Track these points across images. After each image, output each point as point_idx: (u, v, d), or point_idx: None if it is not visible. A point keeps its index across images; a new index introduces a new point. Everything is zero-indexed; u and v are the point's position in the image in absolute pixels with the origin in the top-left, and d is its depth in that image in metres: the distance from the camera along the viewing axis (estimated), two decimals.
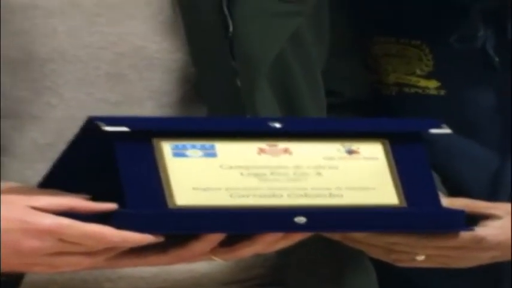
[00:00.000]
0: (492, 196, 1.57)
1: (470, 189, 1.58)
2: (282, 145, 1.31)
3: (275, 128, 1.29)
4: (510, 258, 1.52)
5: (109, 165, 1.27)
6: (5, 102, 1.40)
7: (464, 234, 1.38)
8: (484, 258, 1.47)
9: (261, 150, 1.29)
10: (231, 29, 1.41)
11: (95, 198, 1.27)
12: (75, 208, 1.25)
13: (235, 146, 1.30)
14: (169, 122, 1.37)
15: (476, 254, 1.46)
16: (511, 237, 1.54)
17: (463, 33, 1.66)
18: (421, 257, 1.41)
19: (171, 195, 1.25)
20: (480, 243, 1.43)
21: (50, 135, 1.38)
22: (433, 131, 1.36)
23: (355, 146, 1.34)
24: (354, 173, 1.33)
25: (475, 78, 1.65)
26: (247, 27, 1.44)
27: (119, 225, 1.22)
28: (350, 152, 1.34)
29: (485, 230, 1.42)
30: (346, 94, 1.61)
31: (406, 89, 1.66)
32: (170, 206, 1.24)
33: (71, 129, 1.28)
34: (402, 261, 1.43)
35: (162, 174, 1.26)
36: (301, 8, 1.48)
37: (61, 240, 1.24)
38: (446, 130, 1.36)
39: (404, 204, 1.33)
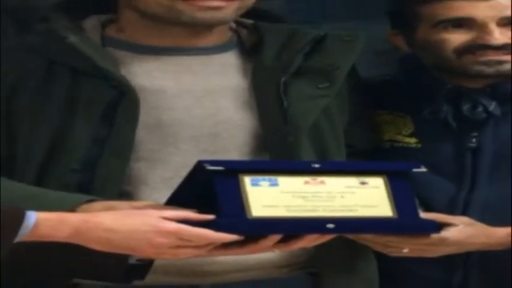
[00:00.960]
0: (450, 212, 2.05)
1: (436, 207, 2.05)
2: (319, 179, 1.78)
3: (315, 168, 1.78)
4: (464, 251, 2.03)
5: (208, 191, 1.72)
6: (142, 151, 1.89)
7: (435, 236, 1.88)
8: (447, 251, 1.97)
9: (306, 182, 1.76)
10: (285, 105, 1.92)
11: (199, 212, 1.71)
12: (189, 218, 1.69)
13: (290, 179, 1.77)
14: (248, 164, 1.87)
15: (442, 248, 1.95)
16: (466, 238, 1.98)
17: (432, 109, 2.16)
18: (406, 250, 1.91)
19: (249, 210, 1.71)
20: (445, 242, 1.93)
21: (171, 172, 1.85)
22: (415, 170, 1.85)
23: (366, 179, 1.81)
24: (364, 196, 1.80)
25: (440, 137, 2.16)
26: (295, 104, 1.94)
27: (216, 229, 1.68)
28: (362, 183, 1.81)
29: (448, 233, 1.93)
30: (358, 147, 2.10)
31: (395, 144, 2.18)
32: (248, 217, 1.71)
33: (185, 169, 1.73)
34: (394, 253, 1.94)
35: (243, 197, 1.72)
36: (328, 92, 1.98)
37: (180, 238, 1.69)
38: (423, 170, 1.85)
39: (396, 216, 1.80)
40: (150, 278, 1.81)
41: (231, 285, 1.96)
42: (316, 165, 1.80)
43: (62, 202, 1.79)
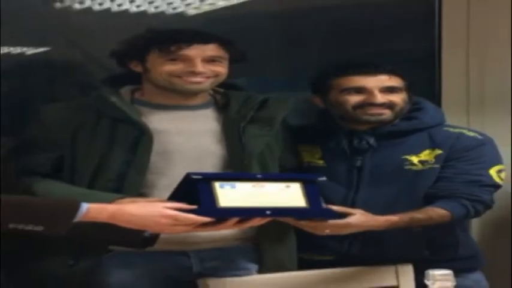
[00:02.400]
0: (344, 206, 2.55)
1: (335, 203, 2.49)
2: (261, 183, 2.28)
3: (258, 177, 2.31)
4: (360, 231, 2.48)
5: (193, 192, 2.21)
6: (154, 168, 2.43)
7: (341, 220, 2.39)
8: (350, 230, 2.48)
9: (253, 186, 2.27)
10: (243, 141, 2.51)
11: (187, 204, 2.18)
12: (181, 207, 2.21)
13: (243, 184, 2.27)
14: (217, 174, 2.39)
15: (348, 229, 2.47)
16: (362, 222, 2.44)
17: (336, 142, 2.76)
18: (327, 231, 2.41)
19: (218, 203, 2.21)
20: (349, 225, 2.44)
21: (171, 181, 2.34)
22: (319, 179, 2.39)
23: (289, 184, 2.32)
24: (289, 195, 2.30)
25: (338, 159, 2.75)
26: (249, 141, 2.51)
27: (198, 215, 2.18)
28: (287, 186, 2.32)
29: (351, 219, 2.43)
30: (287, 166, 2.68)
31: (311, 164, 2.77)
32: (218, 207, 2.22)
33: (179, 179, 2.27)
34: (320, 233, 2.43)
35: (214, 194, 2.21)
36: (269, 133, 2.56)
37: (176, 220, 2.20)
38: (324, 178, 2.40)
39: (309, 207, 2.31)
40: (156, 246, 2.34)
41: (206, 251, 2.51)
42: (259, 176, 2.36)
43: (104, 198, 2.31)
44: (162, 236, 2.35)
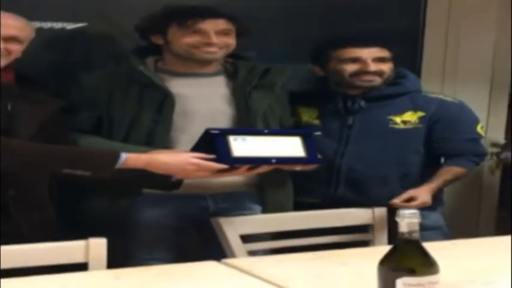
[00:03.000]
0: (335, 157, 2.90)
1: (328, 155, 2.81)
2: (268, 137, 2.51)
3: (265, 132, 2.56)
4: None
5: (211, 144, 2.42)
6: (176, 125, 2.63)
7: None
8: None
9: (261, 139, 2.48)
10: (249, 103, 2.72)
11: (209, 153, 2.40)
12: (203, 157, 2.42)
13: (253, 137, 2.48)
14: (231, 130, 2.57)
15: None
16: None
17: (333, 104, 2.99)
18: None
19: (232, 153, 2.43)
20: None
21: (191, 136, 2.55)
22: (315, 133, 2.60)
23: (291, 138, 2.54)
24: (291, 146, 2.52)
25: (332, 119, 2.99)
26: (254, 102, 2.73)
27: (217, 162, 2.41)
28: (289, 139, 2.53)
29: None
30: (285, 124, 2.87)
31: (309, 122, 3.01)
32: (232, 156, 2.43)
33: (197, 134, 2.48)
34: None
35: (229, 146, 2.42)
36: (271, 96, 2.78)
37: (199, 166, 2.42)
38: (319, 133, 2.64)
39: (307, 156, 2.53)
40: (179, 190, 2.57)
41: (219, 194, 2.74)
42: (266, 131, 2.59)
43: (137, 150, 2.50)
44: (185, 181, 2.55)
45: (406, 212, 1.62)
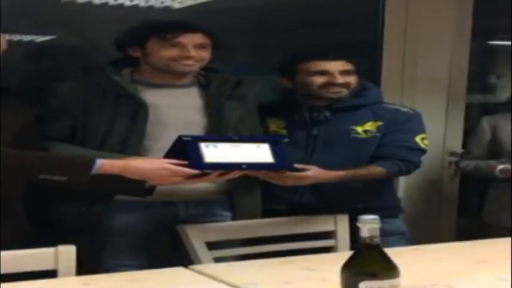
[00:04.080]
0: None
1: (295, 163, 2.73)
2: (238, 144, 2.51)
3: (235, 139, 2.55)
4: (315, 182, 2.74)
5: (183, 150, 2.41)
6: (150, 134, 2.62)
7: (300, 173, 2.64)
8: (307, 182, 2.76)
9: (231, 146, 2.48)
10: (222, 114, 2.73)
11: (181, 160, 2.37)
12: (175, 163, 2.40)
13: (224, 144, 2.48)
14: (203, 137, 2.58)
15: (304, 180, 2.74)
16: (316, 175, 2.69)
17: (299, 115, 3.00)
18: (290, 182, 2.68)
19: (204, 159, 2.42)
20: (306, 176, 2.71)
21: (163, 144, 2.54)
22: (283, 140, 2.63)
23: (260, 145, 2.55)
24: (259, 153, 2.52)
25: (299, 129, 2.99)
26: (226, 113, 2.74)
27: (190, 168, 2.38)
28: (258, 146, 2.54)
29: (309, 173, 2.70)
30: (256, 133, 2.85)
31: (276, 132, 3.01)
32: (204, 162, 2.42)
33: (170, 142, 2.48)
34: (283, 184, 2.68)
35: (201, 152, 2.42)
36: (243, 107, 2.79)
37: (172, 172, 2.40)
38: (286, 140, 2.65)
39: (274, 162, 2.54)
40: (151, 197, 2.56)
41: (190, 201, 2.73)
42: (236, 137, 2.60)
43: (113, 156, 2.50)
44: (157, 188, 2.55)
45: (367, 217, 1.63)
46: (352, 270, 1.64)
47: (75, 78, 2.91)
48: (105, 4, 3.35)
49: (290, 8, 3.62)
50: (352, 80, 3.04)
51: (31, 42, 3.24)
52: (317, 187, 2.90)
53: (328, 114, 3.01)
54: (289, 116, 3.07)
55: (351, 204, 2.93)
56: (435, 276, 2.06)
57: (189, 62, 2.74)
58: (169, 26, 2.74)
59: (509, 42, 4.25)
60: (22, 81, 3.12)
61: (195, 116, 2.78)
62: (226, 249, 2.67)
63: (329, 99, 3.02)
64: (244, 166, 2.51)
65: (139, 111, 2.68)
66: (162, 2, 3.45)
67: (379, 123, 3.03)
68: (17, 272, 2.04)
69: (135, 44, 2.76)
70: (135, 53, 2.77)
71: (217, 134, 2.71)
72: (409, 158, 3.02)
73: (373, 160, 2.98)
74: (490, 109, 4.42)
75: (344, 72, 3.02)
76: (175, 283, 2.02)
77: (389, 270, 1.63)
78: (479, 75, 4.37)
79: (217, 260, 2.58)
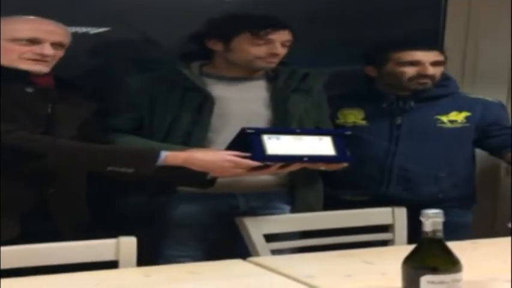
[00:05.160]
0: (386, 157, 2.90)
1: (379, 155, 2.88)
2: (300, 136, 2.49)
3: (298, 131, 2.52)
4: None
5: (246, 142, 2.41)
6: (214, 126, 2.62)
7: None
8: None
9: (294, 138, 2.46)
10: (287, 107, 2.69)
11: (243, 152, 2.37)
12: (239, 155, 2.40)
13: (286, 136, 2.47)
14: (266, 129, 2.55)
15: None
16: None
17: (388, 104, 2.96)
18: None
19: (266, 151, 2.41)
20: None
21: (227, 136, 2.54)
22: (346, 133, 2.60)
23: (322, 137, 2.53)
24: (322, 145, 2.50)
25: (381, 118, 2.98)
26: (291, 106, 2.70)
27: (253, 160, 2.39)
28: (320, 139, 2.52)
29: None
30: (322, 125, 2.80)
31: (356, 124, 2.99)
32: (266, 154, 2.42)
33: (233, 134, 2.48)
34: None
35: (264, 144, 2.41)
36: (308, 100, 2.73)
37: (235, 163, 2.41)
38: (349, 133, 2.60)
39: (337, 154, 2.52)
40: (212, 189, 2.55)
41: (250, 193, 2.71)
42: (298, 130, 2.56)
43: (176, 148, 2.49)
44: (217, 180, 2.54)
45: (430, 211, 1.59)
46: (414, 264, 1.61)
47: (143, 71, 2.88)
48: None
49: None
50: (439, 71, 2.99)
51: (86, 34, 3.17)
52: (404, 177, 2.91)
53: (412, 103, 2.96)
54: (368, 106, 3.02)
55: (437, 194, 2.95)
56: (495, 271, 2.01)
57: (274, 60, 2.69)
58: (263, 21, 2.67)
59: None
60: (83, 74, 3.08)
61: (260, 109, 2.74)
62: (284, 241, 2.63)
63: (415, 90, 2.97)
64: (305, 159, 2.48)
65: (205, 104, 2.66)
66: None
67: (467, 113, 3.01)
68: (79, 263, 2.04)
69: (219, 37, 2.69)
70: (216, 46, 2.71)
71: (282, 126, 2.67)
72: None
73: (497, 150, 3.03)
74: None
75: (435, 63, 2.96)
76: (233, 275, 2.00)
77: (452, 264, 1.61)
78: None
79: (275, 252, 2.54)
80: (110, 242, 2.10)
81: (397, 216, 2.73)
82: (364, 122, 3.02)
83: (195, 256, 2.66)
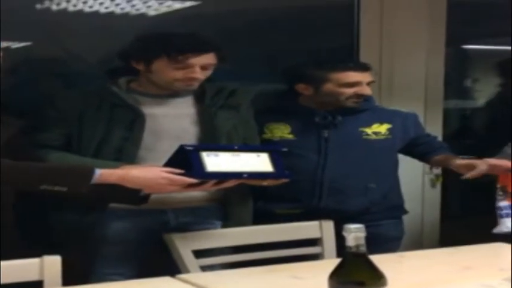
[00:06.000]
0: (316, 170, 2.92)
1: (309, 168, 2.90)
2: (238, 153, 2.49)
3: (236, 148, 2.52)
4: None
5: (184, 160, 2.38)
6: (145, 143, 2.58)
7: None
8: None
9: (232, 155, 2.46)
10: (215, 122, 2.66)
11: (182, 169, 2.33)
12: (174, 172, 2.37)
13: (225, 153, 2.46)
14: (204, 145, 2.51)
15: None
16: None
17: (320, 118, 2.97)
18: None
19: (206, 168, 2.39)
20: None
21: (158, 155, 2.54)
22: (282, 149, 2.61)
23: (260, 154, 2.54)
24: (259, 162, 2.51)
25: (309, 132, 2.98)
26: (219, 122, 2.68)
27: (191, 177, 2.36)
28: (258, 155, 2.52)
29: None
30: (251, 143, 2.79)
31: (283, 138, 2.99)
32: (205, 171, 2.39)
33: (164, 152, 2.49)
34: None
35: (203, 162, 2.39)
36: (236, 116, 2.72)
37: (171, 181, 2.37)
38: (285, 150, 2.62)
39: (274, 171, 2.52)
40: (143, 205, 2.52)
41: (180, 209, 2.68)
42: (236, 147, 2.55)
43: (108, 166, 2.45)
44: (155, 196, 2.52)
45: (352, 226, 1.58)
46: (340, 279, 1.60)
47: (66, 87, 2.87)
48: (80, 11, 3.24)
49: (267, 16, 3.58)
50: (370, 89, 3.03)
51: (7, 48, 3.08)
52: (335, 189, 2.93)
53: (340, 118, 2.99)
54: (295, 121, 3.03)
55: (367, 206, 2.98)
56: (420, 285, 2.02)
57: (194, 83, 2.66)
58: (182, 45, 2.61)
59: (484, 46, 4.33)
60: (6, 90, 2.95)
61: (189, 126, 2.71)
62: (213, 257, 2.59)
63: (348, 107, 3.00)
64: (245, 175, 2.47)
65: (136, 121, 2.62)
66: (137, 10, 3.35)
67: (388, 125, 3.06)
68: (3, 284, 1.97)
69: (140, 58, 2.66)
70: (138, 66, 2.67)
71: (211, 143, 2.64)
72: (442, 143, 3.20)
73: (423, 157, 3.13)
74: (467, 115, 4.41)
75: (370, 83, 3.02)
76: None
77: (377, 278, 1.60)
78: (456, 80, 4.33)
79: (206, 268, 2.51)
80: (34, 261, 2.04)
81: (325, 230, 2.71)
82: (291, 136, 3.01)
83: (125, 273, 2.60)
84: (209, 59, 2.63)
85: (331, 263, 1.63)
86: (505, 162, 2.83)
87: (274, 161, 2.52)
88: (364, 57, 3.62)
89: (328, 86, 2.97)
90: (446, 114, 3.97)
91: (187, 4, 3.43)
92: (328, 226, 2.72)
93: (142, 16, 3.31)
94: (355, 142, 3.00)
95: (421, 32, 3.73)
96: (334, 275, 1.60)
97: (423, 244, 3.64)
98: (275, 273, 2.17)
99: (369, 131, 3.02)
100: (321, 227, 2.71)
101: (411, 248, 2.65)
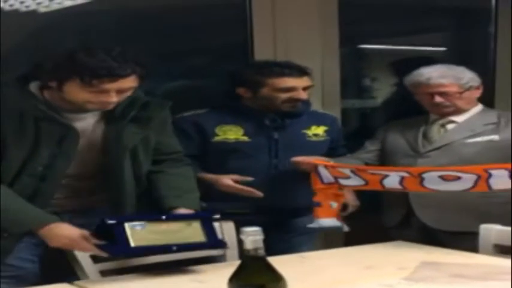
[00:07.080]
0: (269, 169, 3.10)
1: (260, 169, 3.05)
2: (167, 223, 2.32)
3: (163, 218, 2.33)
4: None
5: (108, 232, 2.22)
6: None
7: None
8: None
9: (159, 225, 2.30)
10: (121, 136, 2.51)
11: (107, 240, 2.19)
12: (98, 244, 2.24)
13: (152, 224, 2.29)
14: (129, 217, 2.37)
15: None
16: None
17: (269, 120, 3.08)
18: None
19: (130, 243, 2.22)
20: None
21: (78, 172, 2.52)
22: (215, 216, 2.43)
23: (190, 222, 2.35)
24: (190, 232, 2.34)
25: (260, 134, 3.10)
26: (125, 137, 2.52)
27: (113, 253, 2.26)
28: (188, 224, 2.36)
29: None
30: (163, 150, 2.72)
31: (238, 140, 3.10)
32: (130, 246, 2.22)
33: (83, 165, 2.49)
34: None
35: (127, 236, 2.22)
36: (145, 131, 2.57)
37: (93, 250, 2.24)
38: (218, 216, 2.44)
39: (207, 241, 2.34)
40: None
41: (77, 211, 2.55)
42: (163, 217, 2.35)
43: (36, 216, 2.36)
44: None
45: (249, 229, 1.55)
46: (239, 283, 1.57)
47: None
48: None
49: (159, 11, 3.51)
50: (308, 94, 3.12)
51: None
52: (284, 188, 3.06)
53: (287, 120, 3.10)
54: (247, 123, 3.11)
55: (312, 201, 3.03)
56: (321, 285, 2.00)
57: (108, 106, 2.45)
58: (97, 71, 2.35)
59: (380, 46, 4.40)
60: None
61: (99, 139, 2.55)
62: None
63: (277, 110, 3.11)
64: (174, 248, 2.30)
65: (68, 135, 2.48)
66: (27, 6, 3.22)
67: (324, 127, 3.22)
68: None
69: (53, 78, 2.42)
70: (51, 83, 2.43)
71: (115, 156, 2.53)
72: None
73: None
74: (367, 113, 4.44)
75: (306, 88, 3.10)
76: None
77: (276, 281, 1.57)
78: (354, 79, 4.36)
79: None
80: None
81: (226, 231, 2.61)
82: (245, 138, 3.10)
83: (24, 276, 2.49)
84: (128, 82, 2.40)
85: (233, 265, 1.61)
86: (307, 159, 2.98)
87: (206, 229, 2.36)
88: (259, 55, 3.64)
89: (265, 91, 3.07)
90: (346, 114, 3.99)
91: (79, 1, 3.38)
92: (229, 227, 2.64)
93: (33, 13, 3.20)
94: (301, 143, 3.12)
95: (313, 31, 3.74)
96: (234, 279, 1.57)
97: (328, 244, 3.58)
98: (177, 277, 2.15)
99: (309, 132, 3.16)
100: (221, 228, 2.57)
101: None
